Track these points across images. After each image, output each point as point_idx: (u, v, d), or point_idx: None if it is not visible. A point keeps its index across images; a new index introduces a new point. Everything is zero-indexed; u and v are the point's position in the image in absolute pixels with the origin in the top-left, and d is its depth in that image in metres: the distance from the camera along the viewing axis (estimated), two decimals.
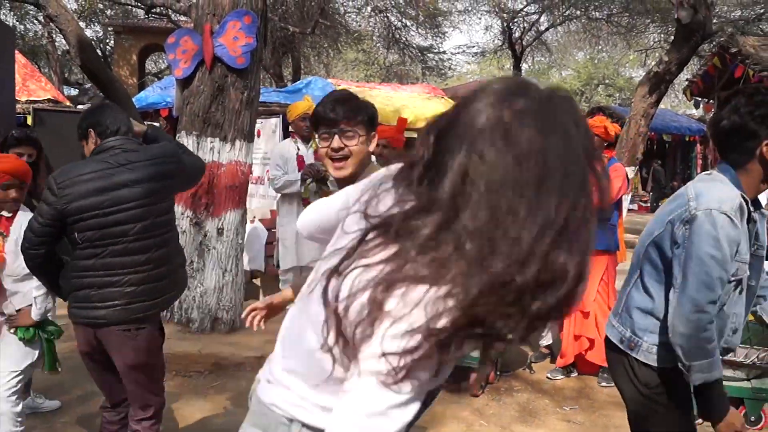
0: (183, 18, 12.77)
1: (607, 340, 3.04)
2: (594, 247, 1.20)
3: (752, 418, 4.91)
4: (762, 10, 22.59)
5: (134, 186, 3.35)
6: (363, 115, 2.75)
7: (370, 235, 1.30)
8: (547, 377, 5.94)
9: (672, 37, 14.20)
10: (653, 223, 2.91)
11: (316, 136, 2.80)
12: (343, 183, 2.69)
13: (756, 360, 3.32)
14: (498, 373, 5.85)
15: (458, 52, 31.57)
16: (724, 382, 4.92)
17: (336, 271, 1.31)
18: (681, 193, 2.85)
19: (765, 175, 2.75)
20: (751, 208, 2.76)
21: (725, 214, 2.60)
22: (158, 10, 14.14)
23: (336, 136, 2.70)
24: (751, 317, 3.69)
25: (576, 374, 6.04)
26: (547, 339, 6.29)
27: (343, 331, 1.28)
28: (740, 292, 2.81)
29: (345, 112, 2.70)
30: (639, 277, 2.91)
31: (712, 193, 2.68)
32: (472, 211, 1.15)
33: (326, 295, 1.31)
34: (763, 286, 3.06)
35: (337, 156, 2.73)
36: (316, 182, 6.75)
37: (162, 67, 28.04)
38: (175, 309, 6.83)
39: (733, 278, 2.71)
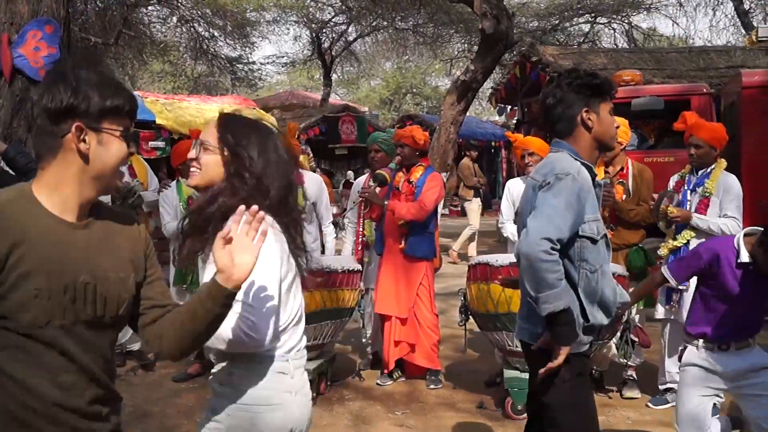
0: None
1: (523, 344, 3.24)
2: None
3: (519, 407, 5.01)
4: (557, 21, 24.19)
5: None
6: None
7: None
8: (377, 384, 6.00)
9: (476, 47, 14.85)
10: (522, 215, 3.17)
11: None
12: None
13: None
14: (328, 383, 5.84)
15: (268, 63, 31.19)
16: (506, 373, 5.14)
17: None
18: (540, 170, 3.07)
19: (594, 141, 3.06)
20: (595, 173, 3.07)
21: (571, 173, 2.89)
22: None
23: None
24: None
25: (403, 378, 6.15)
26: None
27: None
28: (608, 249, 3.09)
29: None
30: None
31: (558, 163, 2.97)
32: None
33: None
34: None
35: None
36: (122, 200, 6.39)
37: None
38: None
39: (599, 236, 2.98)
